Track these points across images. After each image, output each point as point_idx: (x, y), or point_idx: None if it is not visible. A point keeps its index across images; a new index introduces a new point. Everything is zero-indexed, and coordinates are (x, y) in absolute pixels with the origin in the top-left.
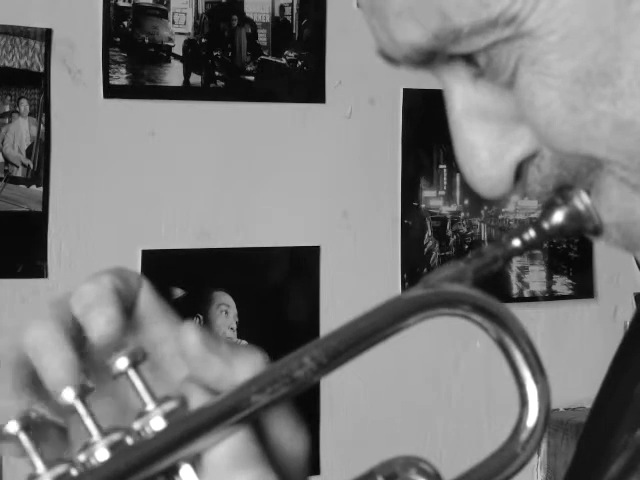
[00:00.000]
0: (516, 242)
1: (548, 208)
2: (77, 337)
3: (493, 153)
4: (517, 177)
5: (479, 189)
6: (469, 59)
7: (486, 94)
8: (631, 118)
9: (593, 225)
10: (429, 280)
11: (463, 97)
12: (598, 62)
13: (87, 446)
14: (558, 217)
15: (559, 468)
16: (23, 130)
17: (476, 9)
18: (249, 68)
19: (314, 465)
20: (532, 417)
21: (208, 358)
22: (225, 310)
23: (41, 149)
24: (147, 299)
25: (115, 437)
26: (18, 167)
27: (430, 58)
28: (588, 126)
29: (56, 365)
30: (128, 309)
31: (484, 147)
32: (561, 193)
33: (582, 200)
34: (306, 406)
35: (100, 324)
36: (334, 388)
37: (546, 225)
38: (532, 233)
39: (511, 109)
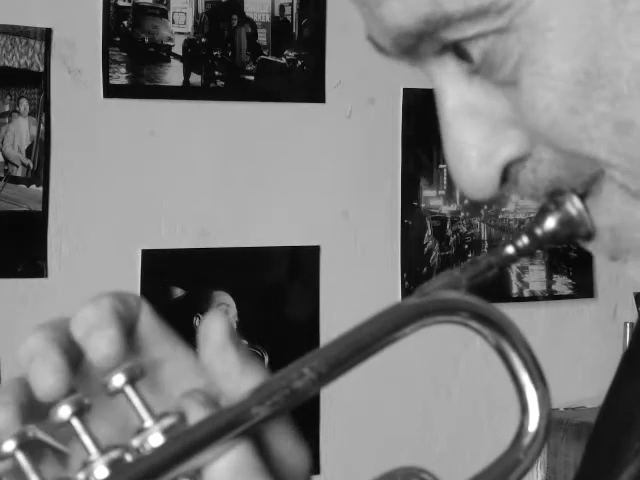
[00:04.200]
0: (510, 249)
1: (540, 214)
2: (73, 355)
3: (482, 153)
4: (504, 179)
5: (466, 189)
6: (462, 55)
7: (479, 92)
8: (630, 119)
9: (585, 230)
10: (424, 289)
11: (454, 95)
12: (596, 62)
13: (86, 464)
14: (550, 223)
15: (559, 468)
16: (23, 130)
17: None
18: (249, 68)
19: (314, 465)
20: (533, 423)
21: (226, 349)
22: (225, 310)
23: (41, 149)
24: (147, 321)
25: (114, 454)
26: (18, 167)
27: (418, 44)
28: (589, 127)
29: (46, 371)
30: (129, 331)
31: (473, 146)
32: (553, 199)
33: (574, 205)
34: (306, 406)
35: (101, 346)
36: (334, 388)
37: (539, 231)
38: (525, 240)
39: (503, 109)
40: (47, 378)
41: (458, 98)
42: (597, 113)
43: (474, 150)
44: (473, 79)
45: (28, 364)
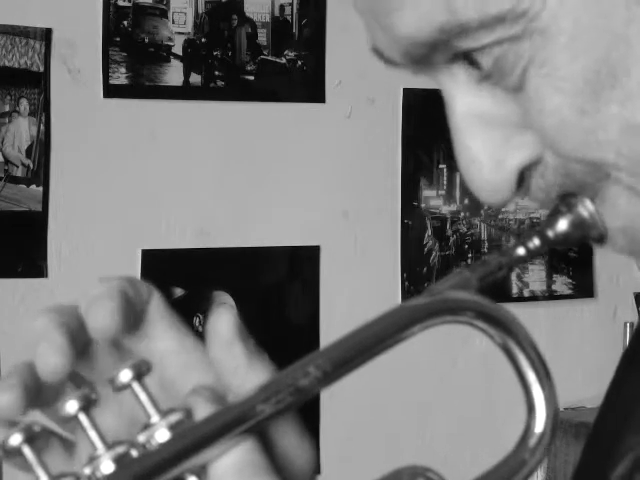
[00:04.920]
0: (521, 250)
1: (552, 216)
2: (81, 339)
3: (494, 159)
4: (519, 183)
5: (481, 195)
6: (472, 62)
7: (488, 99)
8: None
9: (598, 232)
10: (433, 289)
11: (464, 102)
12: (607, 63)
13: (92, 459)
14: (562, 225)
15: (559, 468)
16: (23, 130)
17: (484, 5)
18: (249, 68)
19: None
20: (540, 423)
21: (234, 344)
22: None
23: (41, 149)
24: (157, 309)
25: (120, 450)
26: (18, 167)
27: (429, 54)
28: (597, 130)
29: (50, 351)
30: (137, 317)
31: (485, 153)
32: (565, 201)
33: (586, 207)
34: (306, 406)
35: (100, 315)
36: (334, 388)
37: (550, 233)
38: (536, 241)
39: (513, 114)
40: (50, 358)
41: (468, 105)
42: (606, 114)
43: (486, 157)
44: (482, 86)
45: (33, 346)
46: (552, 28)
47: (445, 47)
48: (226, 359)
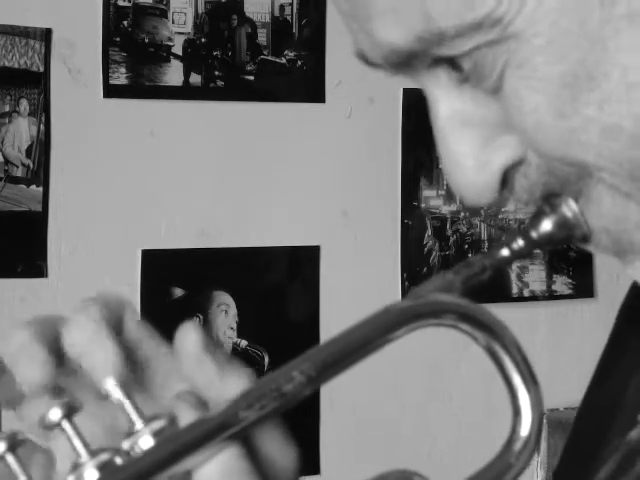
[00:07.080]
0: (505, 251)
1: (536, 217)
2: (57, 353)
3: (478, 161)
4: (504, 184)
5: (465, 197)
6: (453, 64)
7: (470, 101)
8: (618, 123)
9: (582, 232)
10: (417, 292)
11: (447, 105)
12: (585, 66)
13: (76, 467)
14: (546, 225)
15: None
16: (23, 130)
17: (461, 12)
18: (249, 68)
19: (314, 465)
20: (525, 426)
21: (203, 359)
22: (225, 310)
23: (41, 149)
24: (132, 322)
25: (104, 457)
26: (18, 167)
27: (410, 60)
28: (576, 131)
29: (32, 367)
30: (117, 332)
31: (469, 155)
32: (549, 201)
33: (570, 207)
34: (306, 405)
35: (101, 360)
36: (334, 388)
37: (534, 234)
38: (520, 242)
39: (496, 115)
40: (31, 370)
41: (451, 108)
42: (584, 117)
43: (470, 158)
44: (464, 88)
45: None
46: (529, 32)
47: (424, 55)
48: (198, 375)
